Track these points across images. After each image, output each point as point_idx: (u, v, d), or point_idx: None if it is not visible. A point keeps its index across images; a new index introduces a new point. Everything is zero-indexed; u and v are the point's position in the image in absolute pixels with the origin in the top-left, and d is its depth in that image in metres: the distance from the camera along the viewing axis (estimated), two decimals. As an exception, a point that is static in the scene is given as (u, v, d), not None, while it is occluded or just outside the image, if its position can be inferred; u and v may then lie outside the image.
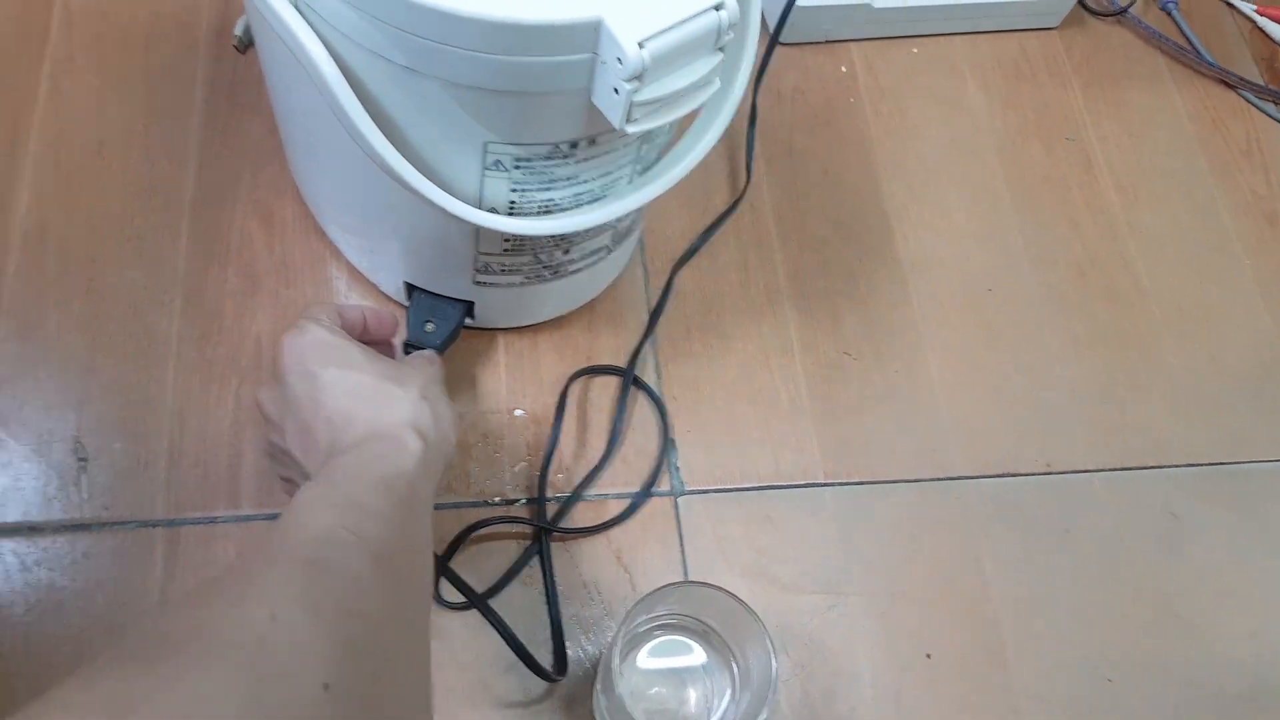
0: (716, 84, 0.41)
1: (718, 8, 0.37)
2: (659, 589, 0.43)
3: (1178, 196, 0.70)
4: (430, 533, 0.40)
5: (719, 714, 0.47)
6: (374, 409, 0.41)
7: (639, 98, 0.37)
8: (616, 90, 0.37)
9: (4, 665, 0.46)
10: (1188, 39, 0.78)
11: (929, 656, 0.53)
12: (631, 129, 0.38)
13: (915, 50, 0.72)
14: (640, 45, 0.36)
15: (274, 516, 0.50)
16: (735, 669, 0.47)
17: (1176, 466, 0.60)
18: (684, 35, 0.37)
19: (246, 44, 0.60)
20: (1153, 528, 0.58)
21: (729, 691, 0.47)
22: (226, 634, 0.28)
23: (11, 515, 0.49)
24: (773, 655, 0.42)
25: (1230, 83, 0.77)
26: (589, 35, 0.36)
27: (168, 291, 0.55)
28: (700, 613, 0.47)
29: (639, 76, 0.36)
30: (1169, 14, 0.80)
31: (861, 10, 0.69)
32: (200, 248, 0.56)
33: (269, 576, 0.31)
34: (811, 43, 0.71)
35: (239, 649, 0.27)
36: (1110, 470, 0.59)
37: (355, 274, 0.57)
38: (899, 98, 0.70)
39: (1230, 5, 0.82)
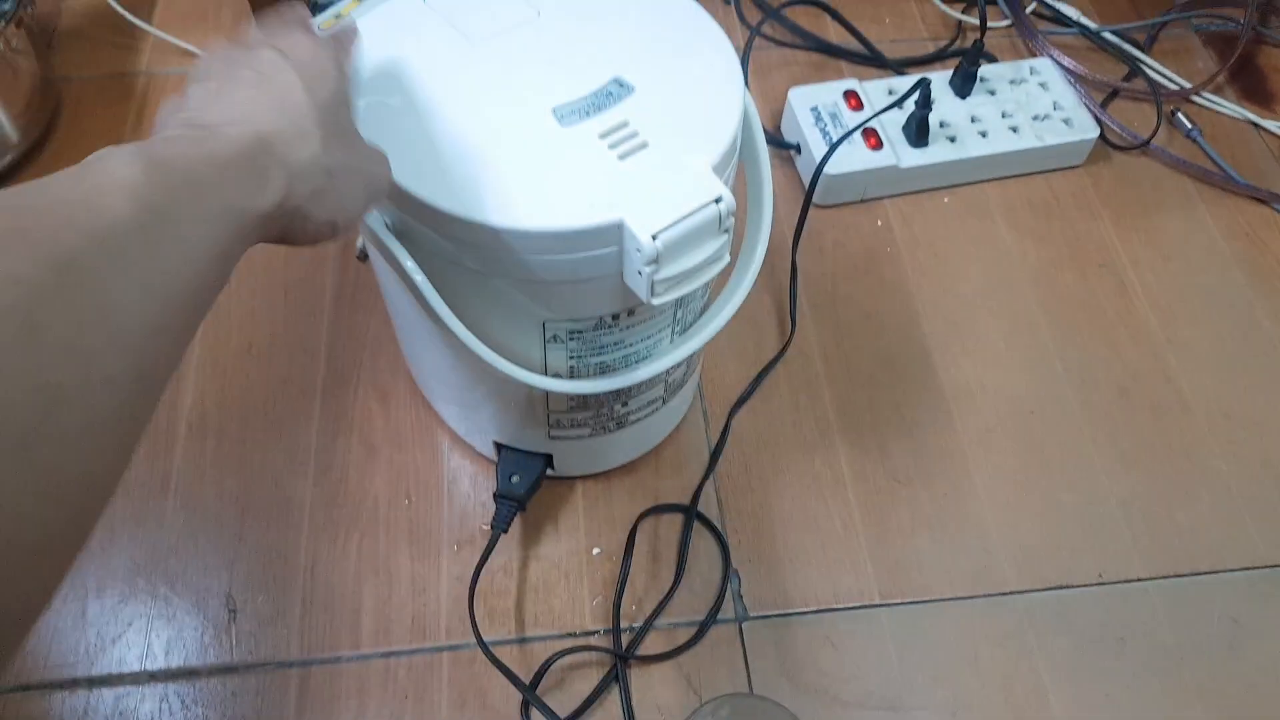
0: (726, 258, 0.49)
1: (717, 201, 0.46)
2: (712, 700, 0.48)
3: (1217, 311, 0.74)
4: (213, 278, 0.33)
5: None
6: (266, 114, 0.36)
7: (658, 276, 0.45)
8: (640, 272, 0.46)
9: (170, 791, 0.54)
10: (1215, 162, 0.83)
11: (993, 765, 0.55)
12: (656, 301, 0.46)
13: (947, 200, 0.80)
14: (654, 237, 0.44)
15: (389, 655, 0.58)
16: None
17: (1233, 571, 0.62)
18: (690, 226, 0.45)
19: (364, 256, 0.72)
20: (1212, 633, 0.60)
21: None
22: None
23: (175, 661, 0.58)
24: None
25: (1262, 198, 0.81)
26: (614, 233, 0.45)
27: (302, 464, 0.65)
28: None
29: (655, 260, 0.45)
30: (1194, 140, 0.85)
31: (890, 171, 0.77)
32: (329, 424, 0.66)
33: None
34: (848, 203, 0.79)
35: None
36: (1165, 578, 0.62)
37: (455, 437, 0.66)
38: (933, 243, 0.77)
39: (1256, 125, 0.86)
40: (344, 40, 0.46)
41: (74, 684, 0.57)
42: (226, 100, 0.37)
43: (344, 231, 0.40)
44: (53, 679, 0.57)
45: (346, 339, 0.70)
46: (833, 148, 0.75)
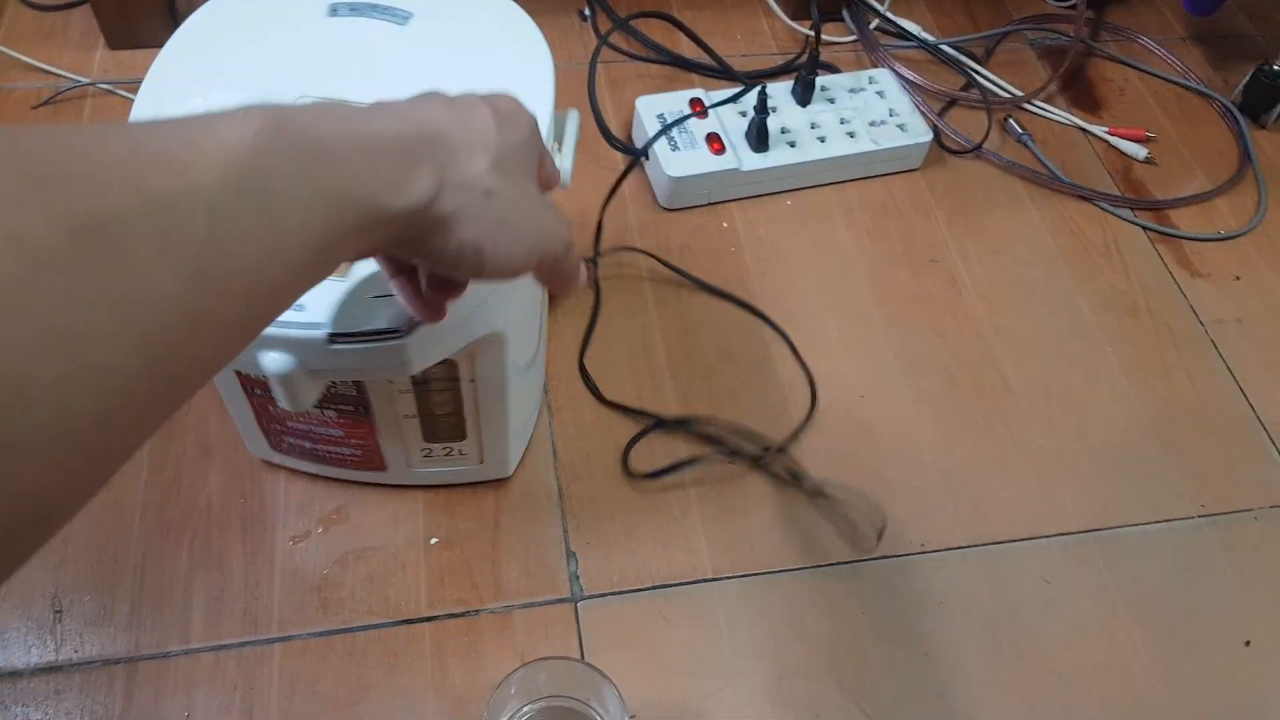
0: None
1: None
2: (526, 664, 0.49)
3: (1041, 299, 0.78)
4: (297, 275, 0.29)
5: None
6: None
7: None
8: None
9: (-17, 795, 0.53)
10: (1043, 163, 0.88)
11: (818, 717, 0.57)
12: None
13: (789, 203, 0.83)
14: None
15: (220, 648, 0.58)
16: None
17: (1048, 536, 0.65)
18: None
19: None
20: (1027, 594, 0.62)
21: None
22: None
23: (-2, 665, 0.57)
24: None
25: (1086, 196, 0.86)
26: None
27: (134, 464, 0.64)
28: (562, 690, 0.52)
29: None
30: (1025, 145, 0.90)
31: (732, 174, 0.80)
32: (162, 426, 0.66)
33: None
34: (695, 206, 0.82)
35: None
36: (984, 545, 0.64)
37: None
38: (775, 243, 0.80)
39: (1084, 130, 0.92)
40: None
41: (-114, 692, 0.55)
42: (408, 103, 0.34)
43: (490, 272, 0.35)
44: None
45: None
46: (653, 144, 0.78)
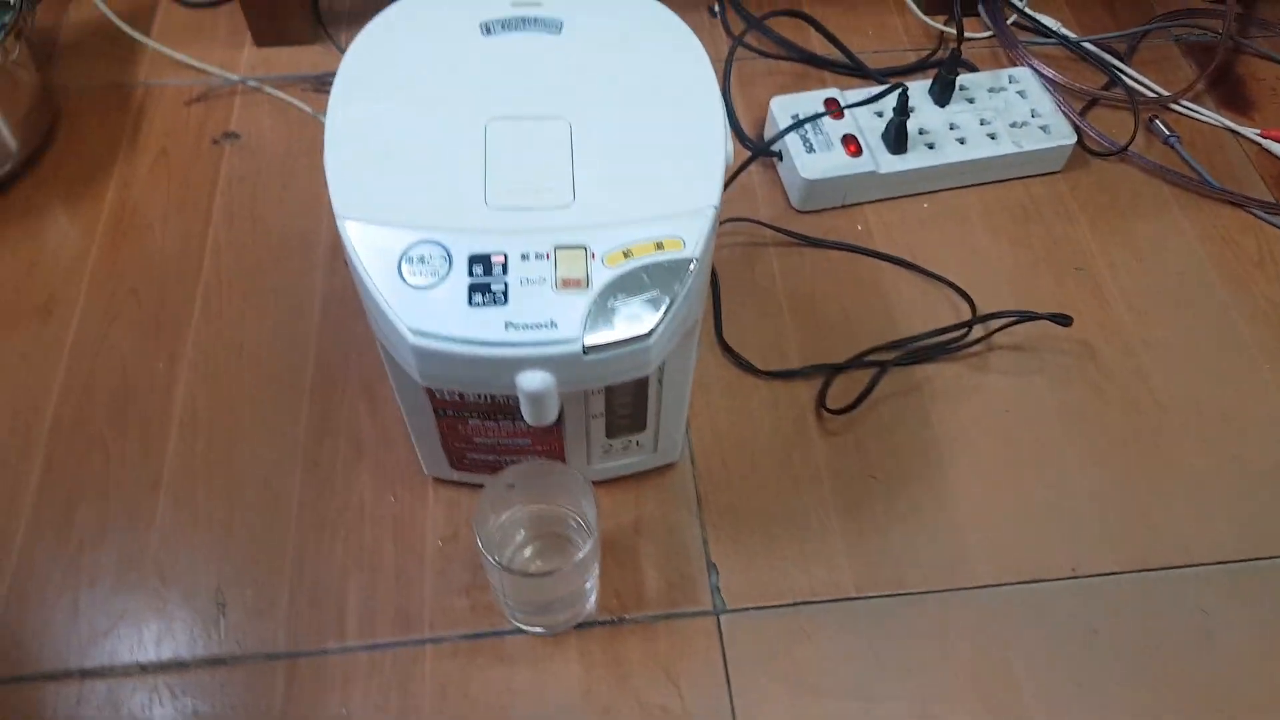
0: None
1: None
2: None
3: (1191, 311, 0.75)
4: None
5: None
6: None
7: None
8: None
9: (157, 779, 0.55)
10: (1191, 167, 0.85)
11: (964, 754, 0.56)
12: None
13: (926, 205, 0.81)
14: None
15: (375, 647, 0.59)
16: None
17: (1204, 565, 0.63)
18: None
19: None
20: (1183, 625, 0.60)
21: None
22: None
23: (165, 654, 0.59)
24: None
25: (1237, 202, 0.82)
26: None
27: (290, 462, 0.66)
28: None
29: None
30: (1172, 147, 0.86)
31: (869, 176, 0.79)
32: (316, 424, 0.68)
33: None
34: (831, 208, 0.81)
35: None
36: (1137, 572, 0.62)
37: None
38: (911, 246, 0.78)
39: (1234, 132, 0.88)
40: None
41: (66, 675, 0.58)
42: None
43: None
44: (45, 670, 0.58)
45: (334, 341, 0.72)
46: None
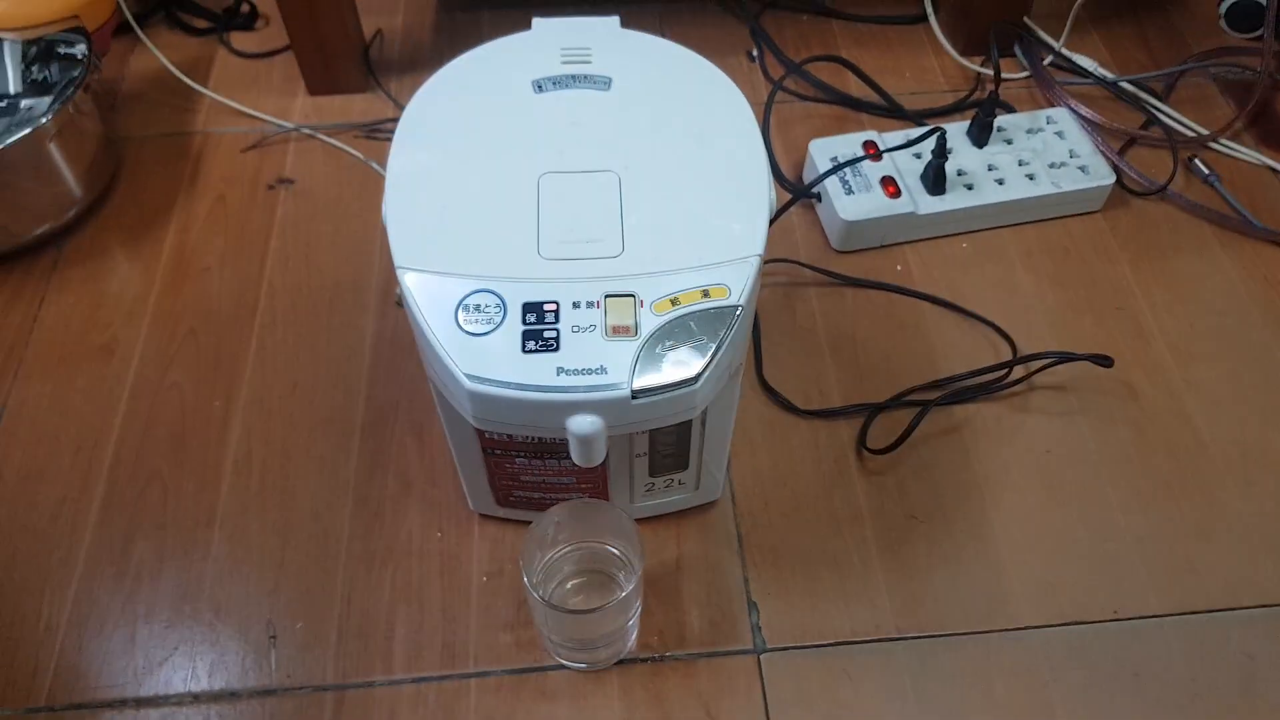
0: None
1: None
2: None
3: (1234, 351, 0.75)
4: None
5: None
6: None
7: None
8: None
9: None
10: (1232, 206, 0.85)
11: (1007, 798, 0.56)
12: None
13: (965, 245, 0.82)
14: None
15: (421, 680, 0.60)
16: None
17: (1249, 608, 0.62)
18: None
19: (401, 303, 0.75)
20: (1227, 669, 0.60)
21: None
22: None
23: (218, 684, 0.61)
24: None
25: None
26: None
27: (341, 498, 0.68)
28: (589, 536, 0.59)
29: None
30: (1212, 186, 0.86)
31: (908, 218, 0.80)
32: (367, 460, 0.70)
33: None
34: (870, 249, 0.82)
35: None
36: (1180, 614, 0.62)
37: (485, 474, 0.69)
38: (950, 287, 0.79)
39: (1275, 170, 0.88)
40: None
41: (122, 704, 0.60)
42: None
43: None
44: (102, 699, 0.60)
45: (385, 380, 0.74)
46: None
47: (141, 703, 0.60)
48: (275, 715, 0.60)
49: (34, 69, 0.79)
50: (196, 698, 0.60)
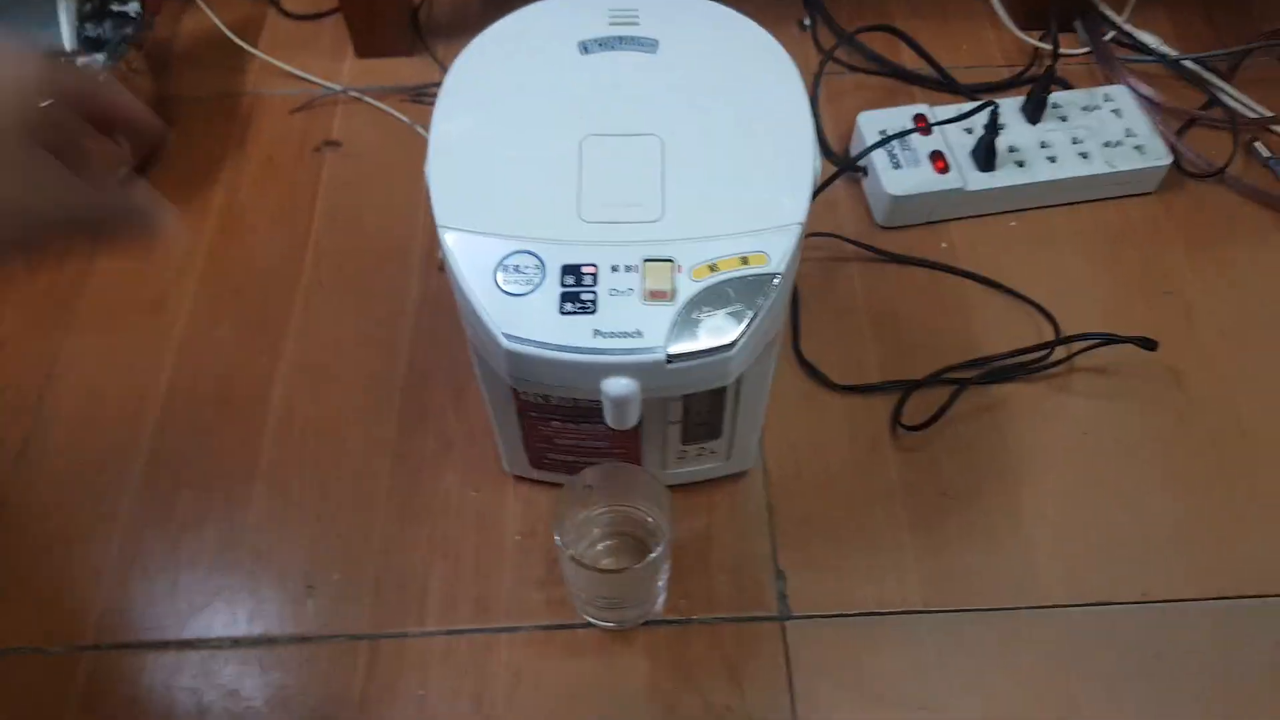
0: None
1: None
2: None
3: (1285, 339, 0.73)
4: None
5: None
6: None
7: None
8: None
9: (247, 748, 0.59)
10: (1292, 192, 0.82)
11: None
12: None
13: (1013, 224, 0.81)
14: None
15: (453, 633, 0.62)
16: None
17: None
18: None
19: (444, 267, 0.76)
20: (1257, 657, 0.59)
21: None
22: None
23: (256, 630, 0.63)
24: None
25: (1340, 230, 0.80)
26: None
27: (380, 455, 0.69)
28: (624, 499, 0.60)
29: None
30: (1271, 170, 0.84)
31: (956, 194, 0.79)
32: (407, 419, 0.71)
33: None
34: (915, 225, 0.81)
35: None
36: (1211, 599, 0.62)
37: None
38: (996, 265, 0.78)
39: (1339, 157, 0.85)
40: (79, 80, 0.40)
41: (165, 645, 0.62)
42: None
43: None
44: (146, 640, 0.62)
45: (427, 341, 0.75)
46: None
47: (184, 645, 0.62)
48: (311, 661, 0.61)
49: (88, 26, 0.80)
50: (236, 642, 0.62)
